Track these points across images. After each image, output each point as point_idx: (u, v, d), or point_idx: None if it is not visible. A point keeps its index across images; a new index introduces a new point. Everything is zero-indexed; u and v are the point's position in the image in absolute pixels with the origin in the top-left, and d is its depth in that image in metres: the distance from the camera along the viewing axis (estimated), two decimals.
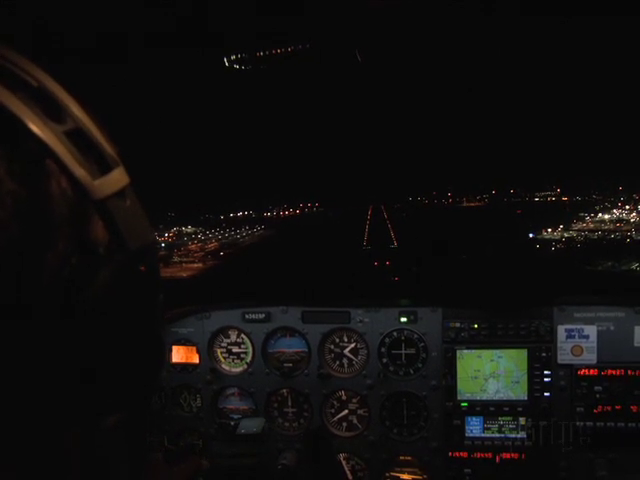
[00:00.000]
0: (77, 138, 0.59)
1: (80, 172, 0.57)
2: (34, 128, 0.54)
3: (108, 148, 0.63)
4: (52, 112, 0.58)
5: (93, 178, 0.58)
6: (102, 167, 0.60)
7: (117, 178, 0.62)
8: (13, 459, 0.55)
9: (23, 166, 0.53)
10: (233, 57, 2.83)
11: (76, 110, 0.60)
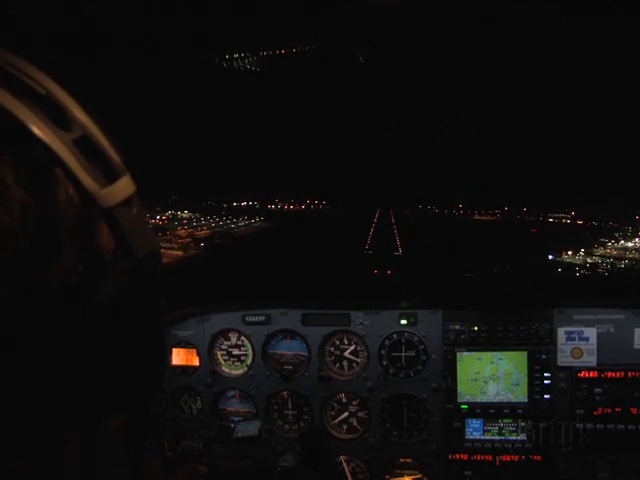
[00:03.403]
0: (84, 146, 0.58)
1: (88, 180, 0.57)
2: (42, 135, 0.54)
3: (114, 156, 0.63)
4: (59, 120, 0.57)
5: (101, 186, 0.58)
6: (109, 175, 0.60)
7: (124, 186, 0.61)
8: (12, 462, 0.55)
9: (31, 174, 0.53)
10: (238, 55, 2.84)
11: (82, 117, 0.60)
